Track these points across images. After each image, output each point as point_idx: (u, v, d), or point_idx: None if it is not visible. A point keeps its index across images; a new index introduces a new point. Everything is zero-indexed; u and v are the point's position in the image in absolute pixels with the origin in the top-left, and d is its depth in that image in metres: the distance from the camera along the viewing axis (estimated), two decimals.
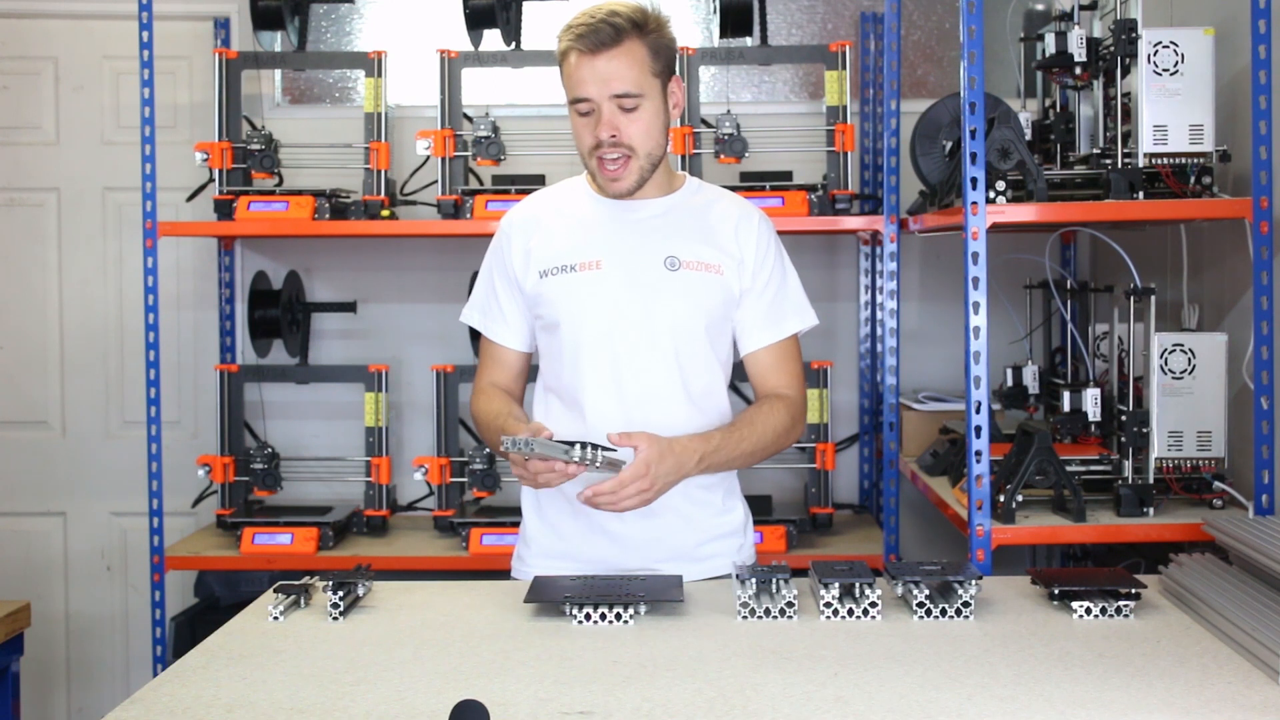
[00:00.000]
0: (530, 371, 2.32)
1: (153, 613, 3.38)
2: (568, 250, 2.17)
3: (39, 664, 3.81)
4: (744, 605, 1.93)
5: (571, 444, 1.91)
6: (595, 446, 1.92)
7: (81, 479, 3.91)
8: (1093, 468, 2.71)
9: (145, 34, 3.30)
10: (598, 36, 2.05)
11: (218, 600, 3.48)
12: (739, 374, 2.30)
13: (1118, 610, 1.92)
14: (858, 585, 1.94)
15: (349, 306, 3.68)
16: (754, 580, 1.96)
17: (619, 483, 1.95)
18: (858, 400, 3.79)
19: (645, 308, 2.14)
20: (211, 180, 3.42)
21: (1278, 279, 2.54)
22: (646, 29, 2.08)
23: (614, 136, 2.09)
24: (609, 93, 2.07)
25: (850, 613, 1.92)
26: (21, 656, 2.84)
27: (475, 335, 3.49)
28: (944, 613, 1.92)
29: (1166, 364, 2.61)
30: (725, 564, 2.18)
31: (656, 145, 2.13)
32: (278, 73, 3.89)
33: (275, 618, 1.95)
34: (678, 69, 2.21)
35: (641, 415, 2.10)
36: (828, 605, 1.93)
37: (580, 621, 1.91)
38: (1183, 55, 2.60)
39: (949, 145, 3.07)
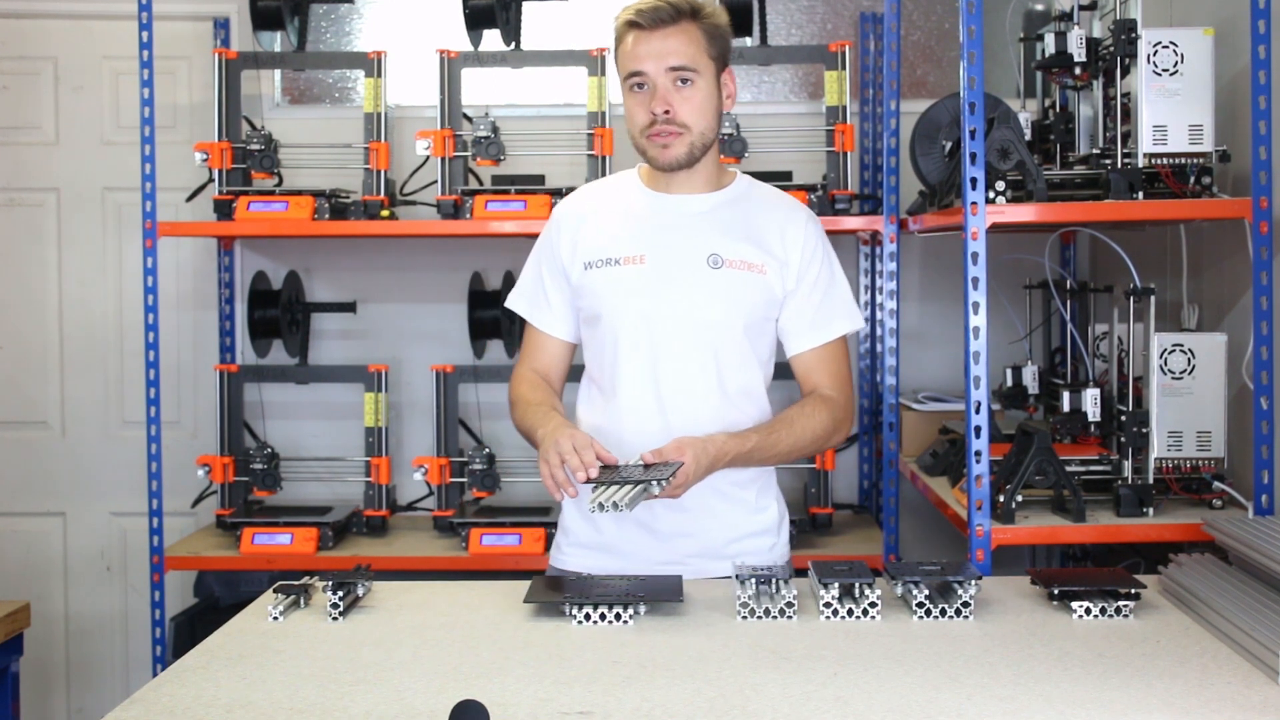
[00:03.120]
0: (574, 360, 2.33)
1: (152, 613, 3.38)
2: (613, 243, 2.19)
3: (39, 664, 3.80)
4: (744, 605, 1.93)
5: (647, 482, 1.90)
6: (662, 479, 1.91)
7: (81, 479, 3.91)
8: (1092, 468, 2.71)
9: (145, 34, 3.30)
10: (657, 14, 2.11)
11: (217, 600, 3.48)
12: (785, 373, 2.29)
13: (1117, 610, 1.92)
14: (857, 585, 1.94)
15: (349, 306, 3.68)
16: (754, 580, 1.96)
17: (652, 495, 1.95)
18: (857, 400, 3.79)
19: (685, 304, 2.15)
20: (211, 180, 3.42)
21: (1277, 279, 2.54)
22: (702, 15, 2.14)
23: (667, 112, 2.11)
24: (665, 66, 2.11)
25: (850, 613, 1.92)
26: (21, 657, 2.83)
27: (478, 334, 3.51)
28: (944, 613, 1.92)
29: (1166, 364, 2.61)
30: (755, 562, 2.16)
31: (709, 126, 2.16)
32: (277, 73, 3.89)
33: (275, 618, 1.95)
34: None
35: (676, 411, 2.13)
36: (827, 605, 1.93)
37: (580, 621, 1.91)
38: (1182, 55, 2.60)
39: (949, 145, 3.07)
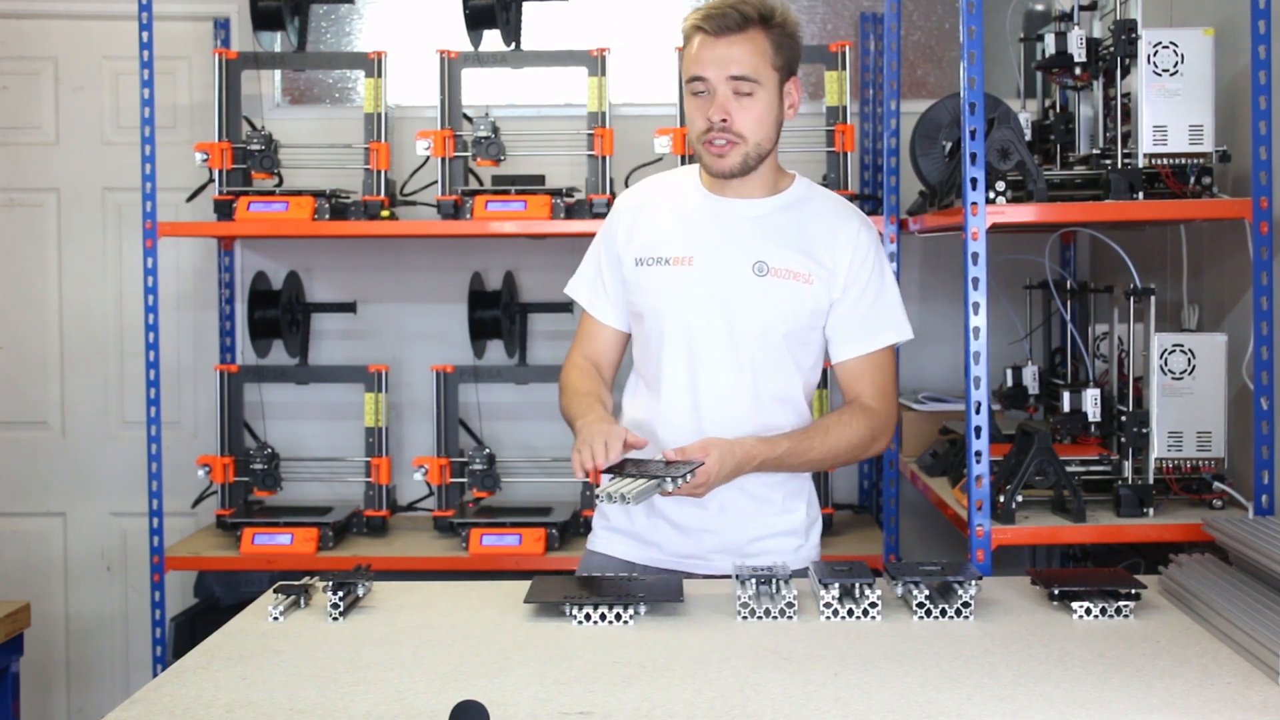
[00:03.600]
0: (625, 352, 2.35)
1: (152, 613, 3.38)
2: (664, 242, 2.21)
3: (39, 664, 3.80)
4: (744, 605, 1.93)
5: (661, 479, 1.91)
6: (678, 477, 1.92)
7: (81, 479, 3.91)
8: (1092, 468, 2.71)
9: (145, 34, 3.30)
10: (724, 20, 2.09)
11: (217, 600, 3.48)
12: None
13: (1118, 610, 1.92)
14: (858, 585, 1.94)
15: (349, 307, 3.68)
16: (754, 580, 1.96)
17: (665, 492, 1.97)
18: None
19: (727, 310, 2.15)
20: (211, 180, 3.42)
21: (1278, 279, 2.54)
22: (772, 22, 2.13)
23: (724, 121, 2.11)
24: (726, 74, 2.10)
25: (850, 613, 1.92)
26: (21, 657, 2.84)
27: (479, 335, 3.51)
28: (944, 613, 1.92)
29: (1166, 364, 2.61)
30: (777, 561, 2.16)
31: (766, 137, 2.15)
32: (277, 73, 3.89)
33: (275, 618, 1.95)
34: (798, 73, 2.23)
35: (711, 413, 2.14)
36: (827, 606, 1.93)
37: (580, 621, 1.91)
38: (1182, 55, 2.60)
39: (949, 145, 3.07)
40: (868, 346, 2.20)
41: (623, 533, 2.25)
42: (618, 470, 1.96)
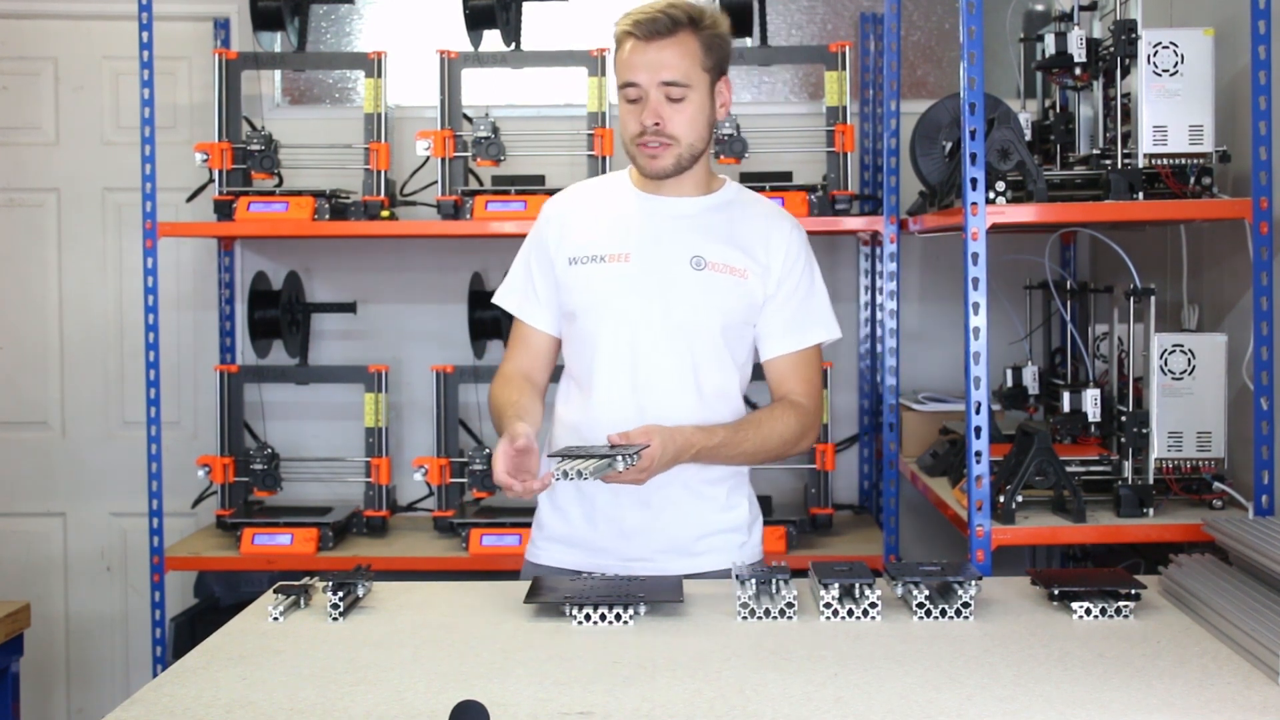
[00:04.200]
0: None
1: (152, 613, 3.38)
2: (600, 240, 2.21)
3: (39, 664, 3.80)
4: (744, 605, 1.93)
5: (611, 458, 1.92)
6: (629, 454, 1.93)
7: (81, 479, 3.91)
8: (1092, 468, 2.71)
9: (145, 34, 3.30)
10: (654, 25, 2.10)
11: (218, 601, 3.48)
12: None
13: (1117, 611, 1.92)
14: (858, 586, 1.94)
15: (349, 307, 3.68)
16: (754, 580, 1.96)
17: (617, 473, 1.97)
18: (857, 400, 3.79)
19: (666, 304, 2.16)
20: (211, 181, 3.42)
21: (1278, 279, 2.54)
22: (702, 25, 2.14)
23: (657, 125, 2.12)
24: (658, 79, 2.11)
25: (850, 613, 1.93)
26: (21, 657, 2.83)
27: (478, 335, 3.51)
28: (944, 613, 1.92)
29: (1166, 364, 2.61)
30: (724, 559, 2.19)
31: (699, 139, 2.17)
32: (277, 73, 3.89)
33: (275, 618, 1.95)
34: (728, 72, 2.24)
35: (652, 408, 2.13)
36: (827, 606, 1.93)
37: (580, 622, 1.91)
38: (1182, 56, 2.60)
39: (949, 146, 3.07)
40: (798, 344, 2.23)
41: (564, 541, 2.24)
42: (565, 455, 1.96)
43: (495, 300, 2.34)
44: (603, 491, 2.14)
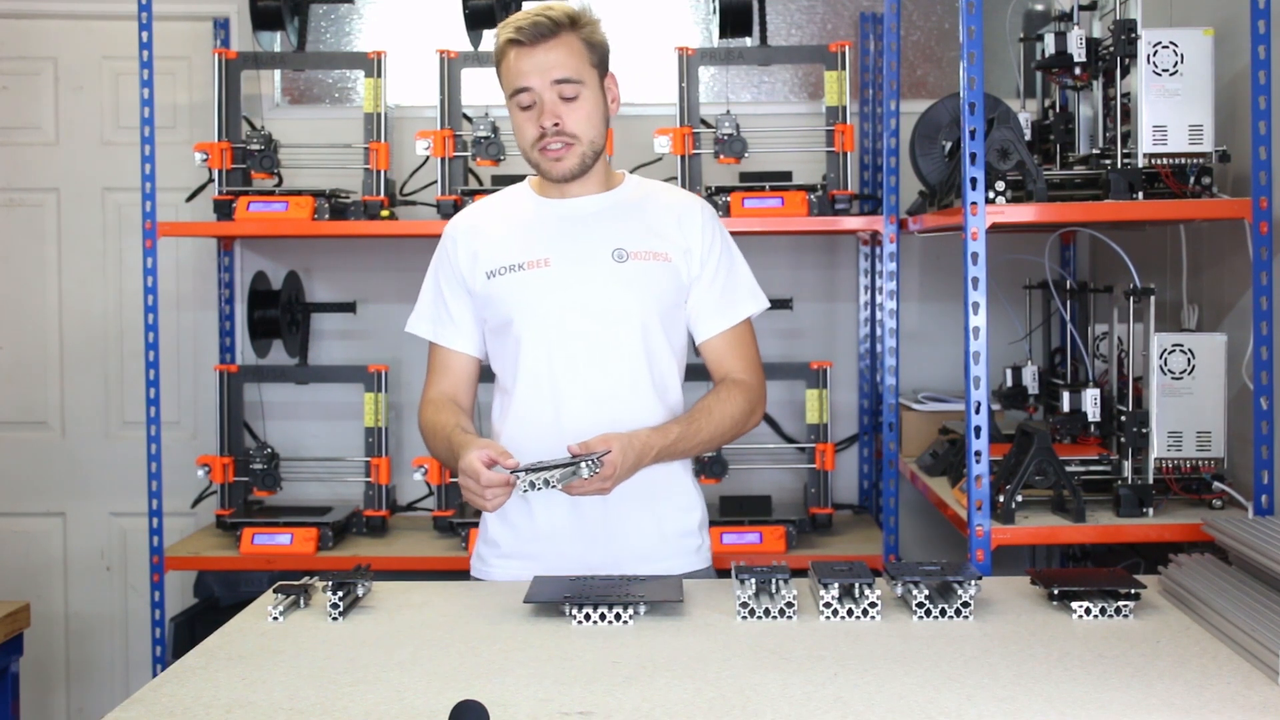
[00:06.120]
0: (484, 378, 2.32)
1: (152, 613, 3.38)
2: (515, 250, 2.21)
3: (39, 664, 3.80)
4: (744, 605, 1.93)
5: (576, 464, 1.94)
6: (592, 460, 1.95)
7: (81, 479, 3.91)
8: (1092, 468, 2.71)
9: (145, 34, 3.30)
10: (537, 29, 2.12)
11: (217, 601, 3.48)
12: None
13: (1117, 610, 1.92)
14: (857, 585, 1.94)
15: (349, 307, 3.68)
16: (754, 580, 1.96)
17: (582, 481, 1.98)
18: (857, 400, 3.79)
19: (597, 300, 2.17)
20: (211, 180, 3.42)
21: (1277, 279, 2.54)
22: (580, 25, 2.16)
23: (557, 125, 2.14)
24: (550, 79, 2.13)
25: (850, 613, 1.92)
26: (21, 657, 2.84)
27: None
28: (944, 613, 1.92)
29: (1166, 364, 2.61)
30: (682, 564, 2.20)
31: (598, 134, 2.19)
32: (277, 73, 3.89)
33: (275, 618, 1.95)
34: (612, 66, 2.25)
35: (610, 407, 2.14)
36: (827, 605, 1.93)
37: (580, 622, 1.91)
38: (1182, 55, 2.60)
39: (949, 145, 3.07)
40: (729, 321, 2.24)
41: (521, 556, 2.21)
42: (528, 469, 1.97)
43: (408, 329, 2.33)
44: (559, 503, 2.12)
